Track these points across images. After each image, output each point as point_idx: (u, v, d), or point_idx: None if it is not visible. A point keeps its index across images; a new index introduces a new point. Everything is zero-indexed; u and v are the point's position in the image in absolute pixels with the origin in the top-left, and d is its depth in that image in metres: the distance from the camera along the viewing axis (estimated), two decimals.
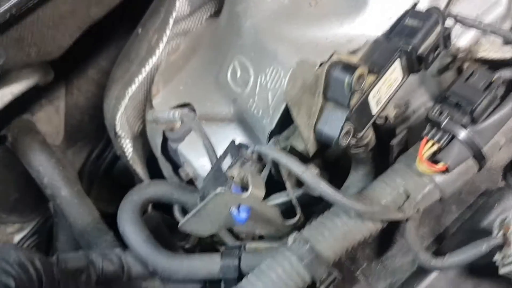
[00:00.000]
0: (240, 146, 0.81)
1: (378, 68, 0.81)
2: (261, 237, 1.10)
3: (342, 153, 0.95)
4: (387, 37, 0.88)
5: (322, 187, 0.74)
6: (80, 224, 1.24)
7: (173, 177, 1.21)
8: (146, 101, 1.26)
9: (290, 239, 0.77)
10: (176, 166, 1.23)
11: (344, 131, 0.79)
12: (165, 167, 1.21)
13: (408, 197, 0.79)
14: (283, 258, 0.76)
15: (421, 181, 0.81)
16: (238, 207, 0.77)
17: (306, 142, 0.83)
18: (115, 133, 1.19)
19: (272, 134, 1.04)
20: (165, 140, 1.22)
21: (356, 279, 0.80)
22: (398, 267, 0.83)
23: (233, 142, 0.81)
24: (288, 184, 0.83)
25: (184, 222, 0.82)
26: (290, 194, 0.82)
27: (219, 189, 0.75)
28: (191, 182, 1.19)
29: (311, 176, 0.74)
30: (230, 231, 1.07)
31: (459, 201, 0.91)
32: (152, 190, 1.01)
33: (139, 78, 1.13)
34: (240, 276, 0.88)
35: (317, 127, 0.81)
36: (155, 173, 1.31)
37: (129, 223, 0.94)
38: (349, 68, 0.78)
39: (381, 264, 0.82)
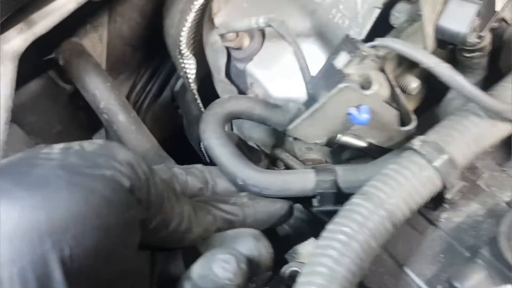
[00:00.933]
0: (355, 40, 0.72)
1: None
2: None
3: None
4: None
5: (458, 80, 0.65)
6: (140, 151, 1.16)
7: None
8: (203, 20, 1.17)
9: (416, 141, 0.69)
10: (240, 91, 1.14)
11: (472, 27, 0.70)
12: (229, 92, 1.13)
13: None
14: (410, 162, 0.67)
15: None
16: (357, 108, 0.68)
17: (427, 38, 0.74)
18: (180, 51, 1.10)
19: None
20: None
21: (479, 188, 0.72)
22: None
23: (347, 36, 0.72)
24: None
25: (294, 125, 0.74)
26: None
27: (343, 84, 0.67)
28: None
29: (446, 68, 0.65)
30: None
31: None
32: (233, 103, 0.92)
33: None
34: (338, 192, 0.80)
35: (439, 23, 0.72)
36: None
37: (214, 136, 0.85)
38: None
39: (503, 173, 0.74)
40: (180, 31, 1.07)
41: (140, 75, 1.53)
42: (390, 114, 0.71)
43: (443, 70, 0.65)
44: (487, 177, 0.73)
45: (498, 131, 0.70)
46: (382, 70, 0.72)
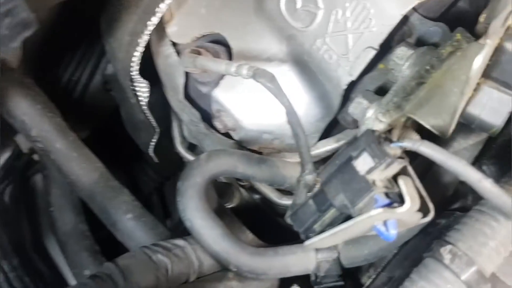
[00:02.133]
0: (380, 140, 0.60)
1: None
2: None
3: None
4: None
5: (505, 200, 0.57)
6: (87, 183, 1.00)
7: (200, 127, 0.98)
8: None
9: (444, 253, 0.62)
10: (204, 116, 0.98)
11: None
12: (190, 114, 0.97)
13: None
14: (439, 277, 0.61)
15: None
16: (385, 223, 0.59)
17: (447, 124, 0.65)
18: (131, 78, 0.91)
19: (349, 87, 0.84)
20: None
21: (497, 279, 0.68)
22: None
23: (369, 132, 0.60)
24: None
25: (312, 242, 0.64)
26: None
27: (375, 211, 0.57)
28: (226, 134, 0.97)
29: (491, 185, 0.57)
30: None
31: None
32: (213, 166, 0.78)
33: (165, 2, 0.82)
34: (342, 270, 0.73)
35: (468, 110, 0.62)
36: None
37: (199, 216, 0.73)
38: None
39: None
40: (131, 56, 0.87)
41: (66, 64, 1.30)
42: (415, 218, 0.63)
43: (487, 187, 0.57)
44: (502, 264, 0.68)
45: None
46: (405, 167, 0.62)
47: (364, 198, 0.58)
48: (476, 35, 0.79)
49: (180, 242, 0.76)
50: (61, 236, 1.12)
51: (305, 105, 0.91)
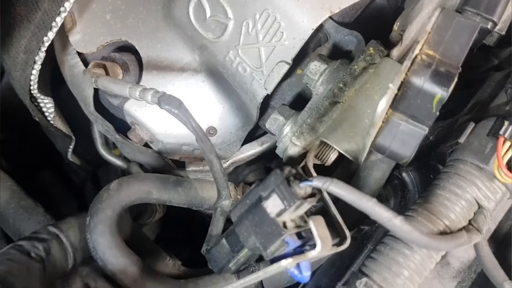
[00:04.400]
0: (289, 181, 0.55)
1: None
2: None
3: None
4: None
5: (415, 235, 0.55)
6: None
7: (116, 138, 0.91)
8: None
9: (359, 284, 0.60)
10: (118, 128, 0.91)
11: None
12: (104, 126, 0.90)
13: (479, 207, 0.64)
14: None
15: (493, 186, 0.65)
16: (298, 266, 0.56)
17: (359, 150, 0.62)
18: (31, 96, 0.82)
19: (264, 100, 0.79)
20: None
21: None
22: None
23: (278, 173, 0.55)
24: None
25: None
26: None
27: (285, 261, 0.53)
28: (146, 145, 0.91)
29: (401, 223, 0.54)
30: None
31: None
32: (124, 195, 0.73)
33: (61, 16, 0.73)
34: None
35: (379, 140, 0.59)
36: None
37: (112, 254, 0.67)
38: (443, 77, 0.54)
39: None
40: (29, 75, 0.78)
41: None
42: (330, 252, 0.60)
43: (397, 225, 0.54)
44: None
45: (439, 256, 0.64)
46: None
47: (276, 241, 0.55)
48: (390, 43, 0.75)
49: (54, 230, 0.70)
50: None
51: (223, 115, 0.86)
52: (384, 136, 0.58)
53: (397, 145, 0.58)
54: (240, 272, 0.71)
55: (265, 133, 0.90)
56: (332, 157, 0.73)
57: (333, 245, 0.59)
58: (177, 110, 0.65)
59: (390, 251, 0.62)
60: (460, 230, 0.63)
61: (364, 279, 0.60)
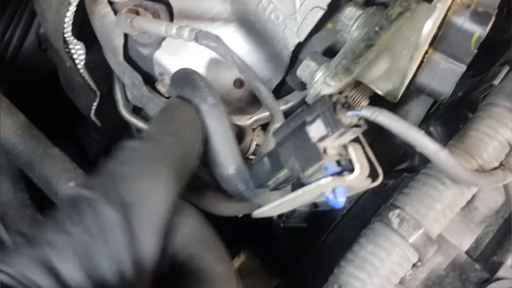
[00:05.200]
0: (336, 107, 0.56)
1: None
2: None
3: None
4: None
5: (459, 170, 0.55)
6: (24, 151, 0.93)
7: (143, 90, 0.92)
8: None
9: (392, 218, 0.61)
10: (146, 78, 0.92)
11: None
12: (132, 77, 0.90)
13: (511, 149, 0.65)
14: (386, 241, 0.60)
15: None
16: (333, 191, 0.57)
17: (396, 88, 0.62)
18: (65, 40, 0.83)
19: (297, 47, 0.80)
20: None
21: (442, 238, 0.68)
22: None
23: (325, 97, 0.56)
24: None
25: (262, 211, 0.60)
26: None
27: (324, 180, 0.54)
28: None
29: (447, 156, 0.55)
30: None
31: None
32: None
33: None
34: None
35: (419, 79, 0.59)
36: None
37: None
38: (482, 17, 0.55)
39: (463, 217, 0.70)
40: (63, 17, 0.79)
41: None
42: (364, 185, 0.61)
43: (443, 158, 0.55)
44: (448, 224, 0.68)
45: (471, 193, 0.64)
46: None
47: (314, 165, 0.55)
48: None
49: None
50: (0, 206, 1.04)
51: (253, 66, 0.86)
52: (425, 75, 0.59)
53: (437, 83, 0.59)
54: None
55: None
56: (363, 104, 0.74)
57: (368, 176, 0.59)
58: (215, 44, 0.66)
59: (423, 186, 0.63)
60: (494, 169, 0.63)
61: (397, 211, 0.61)
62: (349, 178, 0.55)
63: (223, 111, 0.62)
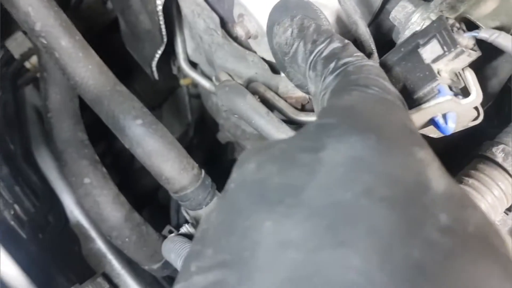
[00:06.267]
0: (453, 28, 0.54)
1: None
2: None
3: None
4: None
5: None
6: (93, 86, 0.91)
7: (216, 35, 0.90)
8: None
9: (496, 150, 0.58)
10: (223, 20, 0.91)
11: None
12: (208, 20, 0.89)
13: None
14: (491, 175, 0.58)
15: None
16: (444, 116, 0.55)
17: (505, 26, 0.60)
18: None
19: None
20: None
21: None
22: None
23: (442, 18, 0.54)
24: None
25: None
26: None
27: (443, 98, 0.52)
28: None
29: None
30: None
31: None
32: None
33: None
34: None
35: None
36: None
37: None
38: None
39: None
40: None
41: None
42: (472, 115, 0.59)
43: None
44: None
45: None
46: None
47: (427, 87, 0.54)
48: None
49: None
50: (59, 144, 1.03)
51: None
52: None
53: None
54: None
55: None
56: None
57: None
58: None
59: None
60: None
61: (502, 146, 0.59)
62: (466, 101, 0.53)
63: None
